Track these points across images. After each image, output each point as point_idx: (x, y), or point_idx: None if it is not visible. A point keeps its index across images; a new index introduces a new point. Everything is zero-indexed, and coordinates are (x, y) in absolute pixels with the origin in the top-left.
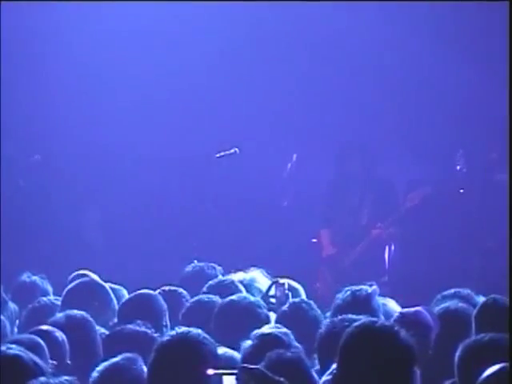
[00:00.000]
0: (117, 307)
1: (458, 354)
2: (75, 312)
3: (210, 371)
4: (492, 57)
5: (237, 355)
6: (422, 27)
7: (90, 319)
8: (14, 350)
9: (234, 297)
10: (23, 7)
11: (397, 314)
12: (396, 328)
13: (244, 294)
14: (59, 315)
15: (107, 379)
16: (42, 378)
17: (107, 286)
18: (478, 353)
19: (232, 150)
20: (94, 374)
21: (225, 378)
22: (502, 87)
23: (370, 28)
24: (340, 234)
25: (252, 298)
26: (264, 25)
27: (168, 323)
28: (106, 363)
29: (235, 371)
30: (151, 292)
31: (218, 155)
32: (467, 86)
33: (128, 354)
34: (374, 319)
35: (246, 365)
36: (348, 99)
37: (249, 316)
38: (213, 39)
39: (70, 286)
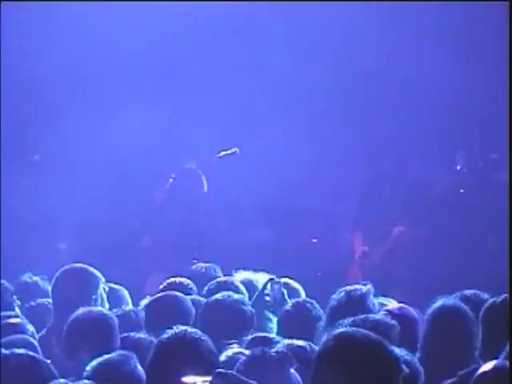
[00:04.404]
0: (107, 304)
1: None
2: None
3: (185, 379)
4: (492, 57)
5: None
6: (424, 28)
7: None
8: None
9: (218, 296)
10: (23, 7)
11: (382, 312)
12: (381, 339)
13: (245, 293)
14: (81, 310)
15: (100, 375)
16: (62, 380)
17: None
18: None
19: (232, 150)
20: (88, 369)
21: None
22: (502, 87)
23: (374, 31)
24: (372, 232)
25: (236, 296)
26: (281, 24)
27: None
28: (99, 359)
29: (209, 377)
30: (178, 294)
31: (217, 155)
32: (467, 86)
33: (122, 351)
34: (356, 329)
35: (220, 370)
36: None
37: (234, 314)
38: (224, 44)
39: (57, 275)
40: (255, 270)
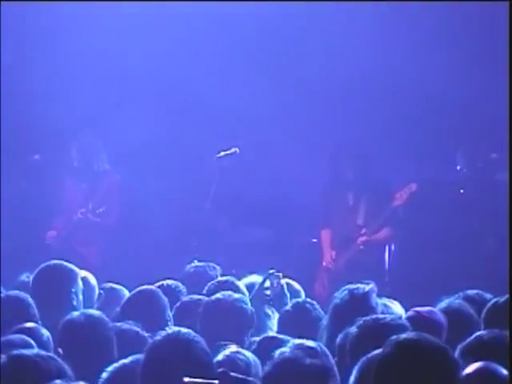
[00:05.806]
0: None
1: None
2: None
3: (186, 379)
4: (492, 57)
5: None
6: (420, 27)
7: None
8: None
9: (218, 295)
10: (23, 7)
11: (411, 312)
12: (441, 343)
13: (245, 293)
14: (76, 313)
15: (116, 380)
16: (58, 381)
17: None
18: (478, 352)
19: (232, 150)
20: (104, 375)
21: None
22: (502, 87)
23: (365, 29)
24: (338, 235)
25: (236, 295)
26: (262, 26)
27: (171, 318)
28: (115, 364)
29: (212, 381)
30: (153, 288)
31: (217, 155)
32: (467, 86)
33: (137, 356)
34: (418, 333)
35: (223, 369)
36: (343, 100)
37: (235, 313)
38: (212, 40)
39: (35, 273)
40: (256, 272)
